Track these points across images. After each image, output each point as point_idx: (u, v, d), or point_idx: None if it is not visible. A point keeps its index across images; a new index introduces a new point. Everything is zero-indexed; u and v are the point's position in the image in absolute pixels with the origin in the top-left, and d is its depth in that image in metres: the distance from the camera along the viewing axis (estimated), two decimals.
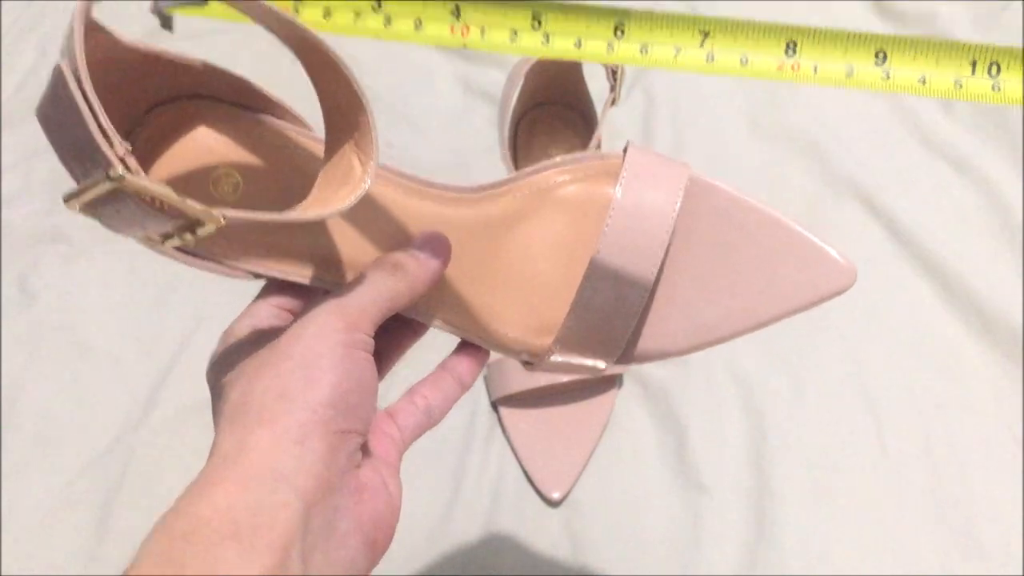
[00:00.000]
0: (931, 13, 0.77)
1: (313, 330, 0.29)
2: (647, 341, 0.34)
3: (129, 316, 0.65)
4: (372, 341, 0.30)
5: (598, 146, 0.59)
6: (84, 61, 0.23)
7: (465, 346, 0.35)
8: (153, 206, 0.24)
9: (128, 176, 0.23)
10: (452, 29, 0.32)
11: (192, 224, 0.25)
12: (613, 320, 0.32)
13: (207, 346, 0.35)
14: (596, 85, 0.60)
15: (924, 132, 0.72)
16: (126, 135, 0.30)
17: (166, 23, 0.31)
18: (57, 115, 0.24)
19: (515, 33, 0.32)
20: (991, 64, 0.30)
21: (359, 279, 0.31)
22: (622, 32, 0.32)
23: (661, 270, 0.33)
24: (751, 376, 0.61)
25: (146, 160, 0.31)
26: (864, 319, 0.64)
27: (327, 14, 0.32)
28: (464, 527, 0.57)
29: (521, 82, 0.57)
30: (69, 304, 0.66)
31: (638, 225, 0.32)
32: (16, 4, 0.83)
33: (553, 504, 0.58)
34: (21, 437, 0.61)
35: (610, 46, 0.32)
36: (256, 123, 0.32)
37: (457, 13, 0.32)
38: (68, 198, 0.24)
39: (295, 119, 0.33)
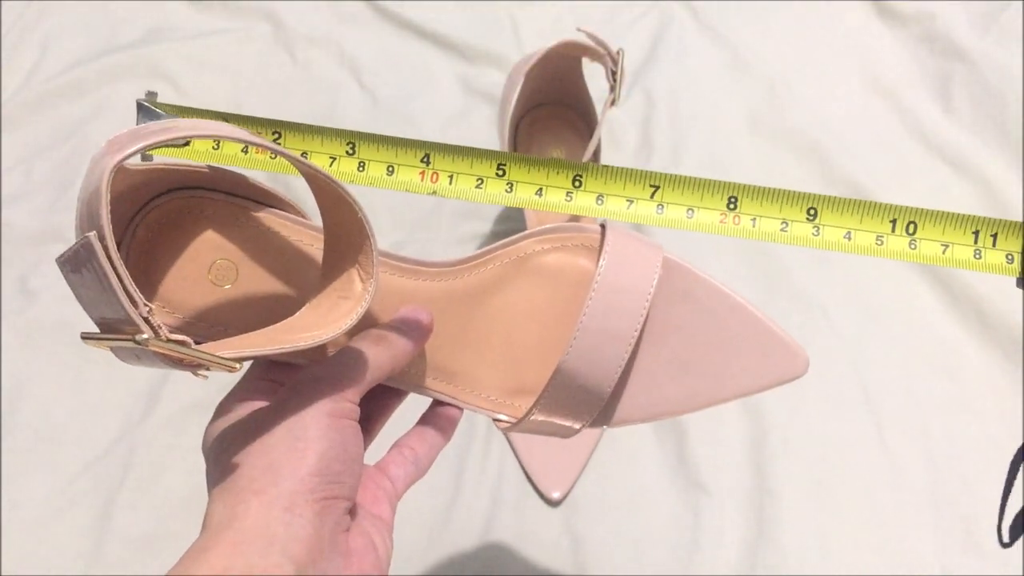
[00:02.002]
0: (931, 13, 0.77)
1: (299, 400, 0.30)
2: (617, 409, 0.36)
3: None
4: (358, 409, 0.31)
5: (598, 146, 0.59)
6: (111, 230, 0.24)
7: (440, 403, 0.37)
8: (172, 358, 0.25)
9: (152, 339, 0.24)
10: (423, 176, 0.35)
11: (207, 366, 0.26)
12: (590, 389, 0.34)
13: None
14: (596, 85, 0.60)
15: (924, 132, 0.72)
16: (129, 220, 0.32)
17: (147, 158, 0.33)
18: (83, 277, 0.25)
19: (481, 181, 0.35)
20: (908, 223, 0.33)
21: (344, 350, 0.32)
22: (580, 183, 0.34)
23: (636, 345, 0.35)
24: None
25: (149, 244, 0.33)
26: (864, 319, 0.64)
27: (303, 156, 0.34)
28: (464, 527, 0.57)
29: (521, 82, 0.57)
30: (69, 304, 0.66)
31: (618, 303, 0.34)
32: (16, 4, 0.83)
33: (553, 504, 0.58)
34: (21, 437, 0.61)
35: (569, 196, 0.34)
36: (255, 215, 0.34)
37: (427, 160, 0.35)
38: (87, 338, 0.25)
39: (293, 209, 0.35)
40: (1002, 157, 0.70)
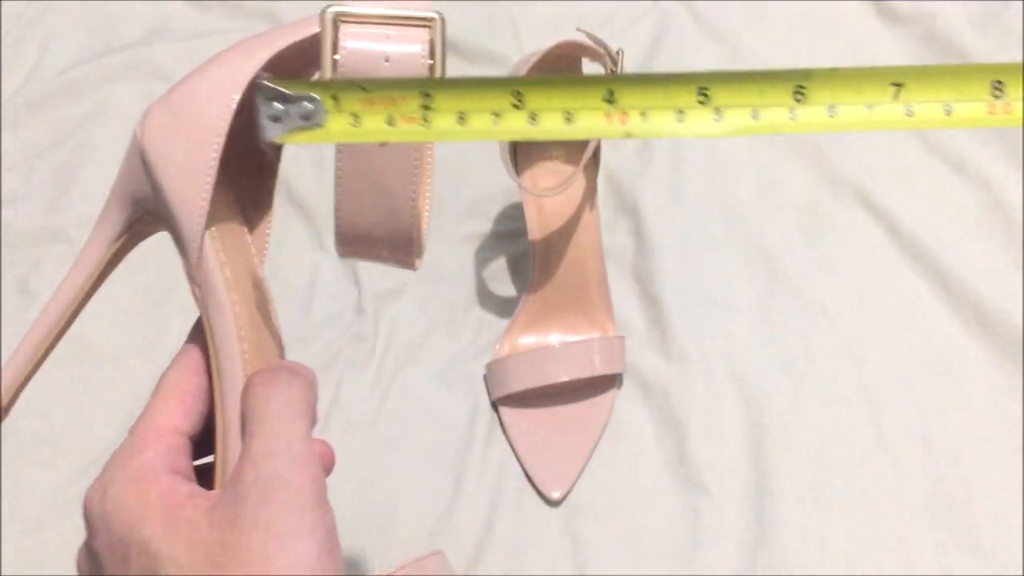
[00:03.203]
0: (931, 13, 0.77)
1: (294, 522, 0.26)
2: None
3: (129, 316, 0.65)
4: None
5: (598, 146, 0.59)
6: None
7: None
8: None
9: None
10: (609, 117, 0.29)
11: None
12: None
13: None
14: None
15: (924, 132, 0.72)
16: None
17: (275, 153, 0.29)
18: None
19: (681, 112, 0.29)
20: None
21: (285, 402, 0.29)
22: (803, 96, 0.29)
23: None
24: (751, 376, 0.61)
25: None
26: (864, 319, 0.64)
27: (462, 119, 0.29)
28: (464, 527, 0.57)
29: None
30: None
31: None
32: (16, 4, 0.83)
33: (553, 504, 0.58)
34: (21, 437, 0.61)
35: (792, 112, 0.29)
36: None
37: (611, 98, 0.29)
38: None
39: None
40: (1002, 157, 0.70)
